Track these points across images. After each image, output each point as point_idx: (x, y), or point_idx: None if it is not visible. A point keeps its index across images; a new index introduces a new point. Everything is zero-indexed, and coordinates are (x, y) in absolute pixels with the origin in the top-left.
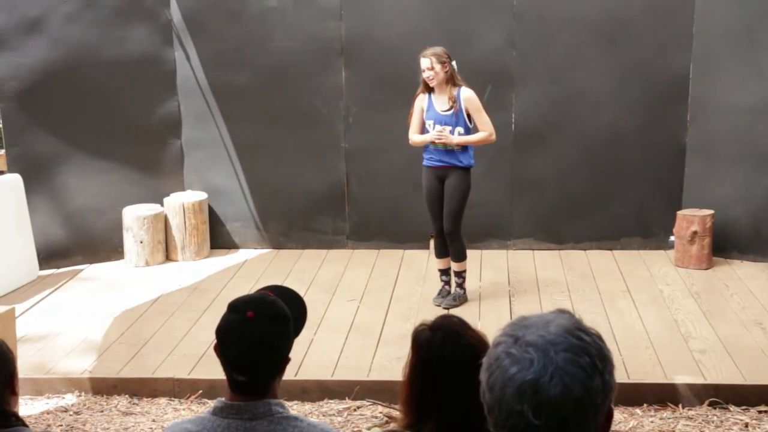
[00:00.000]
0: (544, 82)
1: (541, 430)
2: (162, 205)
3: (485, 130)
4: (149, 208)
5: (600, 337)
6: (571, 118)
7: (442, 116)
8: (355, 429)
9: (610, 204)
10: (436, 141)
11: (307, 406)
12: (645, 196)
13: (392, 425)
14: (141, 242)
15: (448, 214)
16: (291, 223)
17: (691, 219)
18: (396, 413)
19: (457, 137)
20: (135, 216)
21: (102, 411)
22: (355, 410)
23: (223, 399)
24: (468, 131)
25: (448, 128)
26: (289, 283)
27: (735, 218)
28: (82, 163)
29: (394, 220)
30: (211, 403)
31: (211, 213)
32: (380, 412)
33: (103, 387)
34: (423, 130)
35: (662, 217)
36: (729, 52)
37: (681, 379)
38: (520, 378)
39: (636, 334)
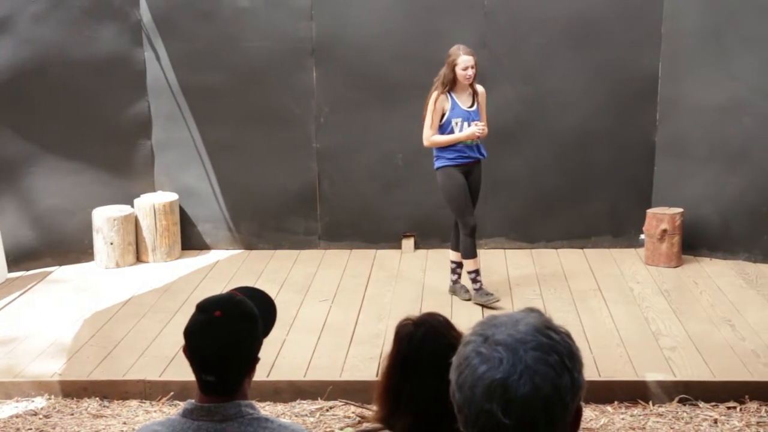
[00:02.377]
0: (516, 82)
1: (510, 429)
2: (132, 206)
3: (486, 125)
4: (119, 210)
5: (569, 335)
6: (542, 118)
7: (468, 113)
8: (328, 429)
9: (581, 203)
10: (478, 135)
11: (280, 407)
12: (615, 195)
13: (365, 425)
14: (111, 244)
15: (473, 207)
16: (263, 224)
17: (661, 217)
18: (368, 413)
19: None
20: (105, 217)
21: (72, 414)
22: (327, 410)
23: (193, 401)
24: None
25: (482, 123)
26: (261, 284)
27: (704, 216)
28: (51, 164)
29: (366, 220)
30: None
31: (182, 214)
32: (353, 412)
33: (73, 390)
34: (443, 130)
35: (632, 215)
36: (697, 52)
37: (651, 376)
38: (490, 377)
39: (607, 332)
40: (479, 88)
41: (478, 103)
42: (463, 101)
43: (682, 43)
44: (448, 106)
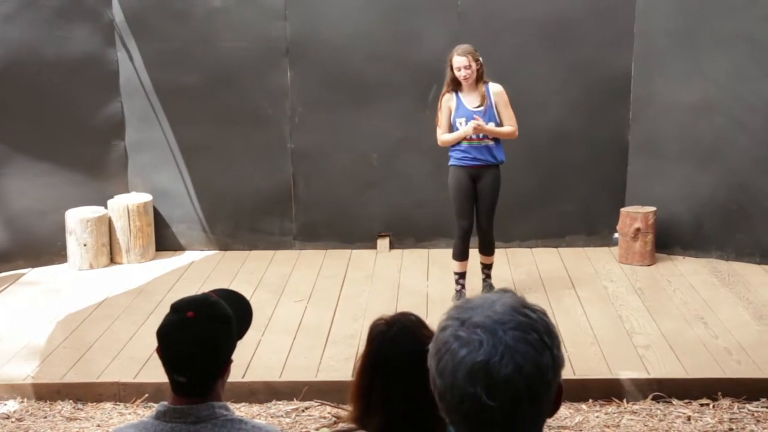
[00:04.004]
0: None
1: (495, 410)
2: (106, 207)
3: (512, 125)
4: (93, 211)
5: (545, 313)
6: (516, 117)
7: (473, 113)
8: (303, 430)
9: (555, 202)
10: (472, 133)
11: (255, 408)
12: (589, 194)
13: (340, 425)
14: (85, 245)
15: (488, 213)
16: (237, 225)
17: (635, 216)
18: (344, 413)
19: (491, 126)
20: (78, 218)
21: (45, 417)
22: (303, 411)
23: (167, 403)
24: (497, 126)
25: (480, 120)
26: (236, 285)
27: (677, 215)
28: (24, 165)
29: (341, 220)
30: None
31: (157, 215)
32: (328, 413)
33: (46, 392)
34: (451, 129)
35: (606, 214)
36: (670, 51)
37: (625, 374)
38: (471, 360)
39: (581, 330)
40: (495, 87)
41: (487, 104)
42: (470, 101)
43: (654, 43)
44: (453, 105)
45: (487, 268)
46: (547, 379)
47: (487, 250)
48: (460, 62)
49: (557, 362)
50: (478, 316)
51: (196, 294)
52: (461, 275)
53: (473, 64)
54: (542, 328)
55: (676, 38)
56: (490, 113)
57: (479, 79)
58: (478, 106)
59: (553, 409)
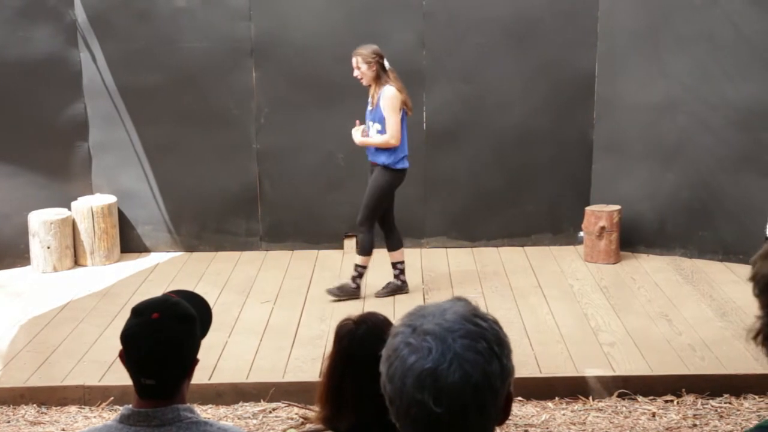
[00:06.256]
0: (455, 82)
1: (442, 417)
2: (69, 209)
3: (387, 131)
4: (56, 213)
5: (496, 322)
6: (481, 117)
7: (368, 112)
8: (271, 431)
9: (521, 201)
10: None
11: (222, 410)
12: (555, 193)
13: (308, 426)
14: (48, 247)
15: (362, 206)
16: (203, 226)
17: (599, 215)
18: (311, 414)
19: (359, 138)
20: (41, 221)
21: (8, 422)
22: (270, 412)
23: (131, 406)
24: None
25: (362, 127)
26: (202, 286)
27: (641, 213)
28: None
29: (308, 220)
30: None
31: (121, 216)
32: (296, 414)
33: (9, 397)
34: None
35: (571, 213)
36: (633, 52)
37: (591, 372)
38: (419, 367)
39: (547, 329)
40: (386, 92)
41: (378, 106)
42: (372, 101)
43: (617, 43)
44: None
45: (354, 267)
46: (495, 387)
47: (356, 246)
48: (353, 63)
49: (506, 371)
50: (429, 324)
51: (156, 296)
52: (391, 265)
53: (362, 66)
54: (492, 337)
55: (639, 38)
56: (377, 114)
57: (376, 80)
58: (370, 106)
59: (503, 418)
